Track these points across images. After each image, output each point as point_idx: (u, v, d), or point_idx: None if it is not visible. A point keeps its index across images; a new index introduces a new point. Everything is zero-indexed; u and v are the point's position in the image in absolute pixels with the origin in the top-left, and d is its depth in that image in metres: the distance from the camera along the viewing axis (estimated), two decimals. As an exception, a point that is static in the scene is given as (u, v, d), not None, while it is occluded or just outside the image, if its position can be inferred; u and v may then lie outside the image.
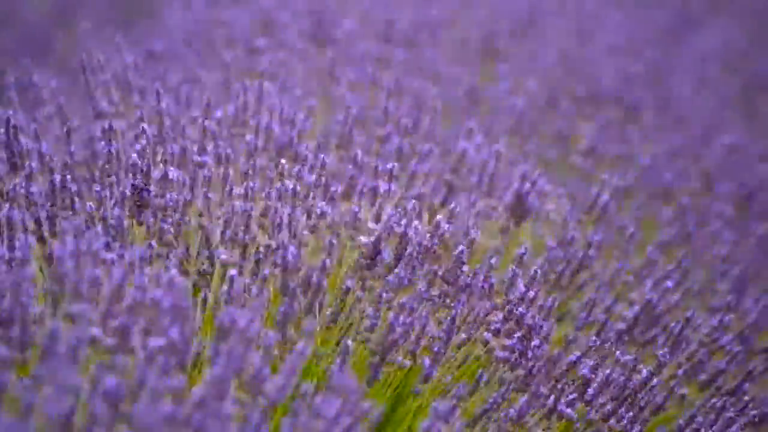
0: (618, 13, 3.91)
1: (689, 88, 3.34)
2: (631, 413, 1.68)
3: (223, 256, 1.62)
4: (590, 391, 1.68)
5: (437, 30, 3.12)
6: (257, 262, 1.60)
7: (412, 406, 1.66)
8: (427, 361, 1.57)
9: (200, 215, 1.70)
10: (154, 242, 1.61)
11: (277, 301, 1.55)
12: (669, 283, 1.99)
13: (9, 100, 2.00)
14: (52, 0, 3.89)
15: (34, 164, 1.68)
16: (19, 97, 2.02)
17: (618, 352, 1.73)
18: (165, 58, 2.64)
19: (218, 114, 1.94)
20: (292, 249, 1.47)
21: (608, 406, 1.68)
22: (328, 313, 1.59)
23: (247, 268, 1.61)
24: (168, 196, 1.66)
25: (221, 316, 1.25)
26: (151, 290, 1.27)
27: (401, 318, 1.53)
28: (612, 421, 1.68)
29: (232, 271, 1.37)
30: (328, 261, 1.52)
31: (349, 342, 1.42)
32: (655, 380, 1.71)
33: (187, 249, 1.67)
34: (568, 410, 1.65)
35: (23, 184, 1.65)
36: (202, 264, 1.67)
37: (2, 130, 1.72)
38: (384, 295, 1.59)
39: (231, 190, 1.69)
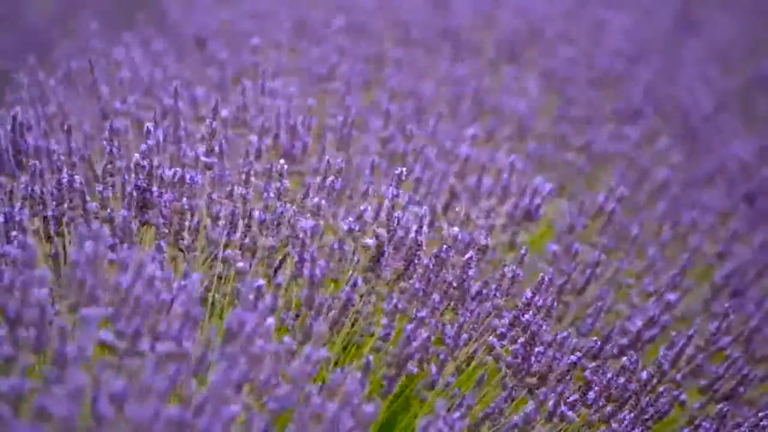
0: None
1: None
2: (632, 415, 1.68)
3: (232, 259, 1.62)
4: (591, 393, 1.68)
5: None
6: (275, 269, 1.60)
7: (414, 417, 1.66)
8: (434, 368, 1.57)
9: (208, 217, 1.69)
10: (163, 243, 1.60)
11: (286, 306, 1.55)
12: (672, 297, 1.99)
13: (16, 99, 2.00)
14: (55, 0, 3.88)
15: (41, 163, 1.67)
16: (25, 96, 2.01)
17: (625, 359, 1.72)
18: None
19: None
20: (321, 263, 1.46)
21: (608, 408, 1.68)
22: (332, 314, 1.59)
23: (259, 273, 1.60)
24: (171, 196, 1.64)
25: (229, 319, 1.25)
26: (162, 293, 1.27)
27: (419, 331, 1.52)
28: (614, 424, 1.68)
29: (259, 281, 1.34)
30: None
31: (370, 357, 1.43)
32: (656, 384, 1.71)
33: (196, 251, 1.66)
34: (569, 413, 1.64)
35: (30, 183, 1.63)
36: (212, 267, 1.66)
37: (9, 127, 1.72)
38: (397, 304, 1.59)
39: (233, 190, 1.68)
